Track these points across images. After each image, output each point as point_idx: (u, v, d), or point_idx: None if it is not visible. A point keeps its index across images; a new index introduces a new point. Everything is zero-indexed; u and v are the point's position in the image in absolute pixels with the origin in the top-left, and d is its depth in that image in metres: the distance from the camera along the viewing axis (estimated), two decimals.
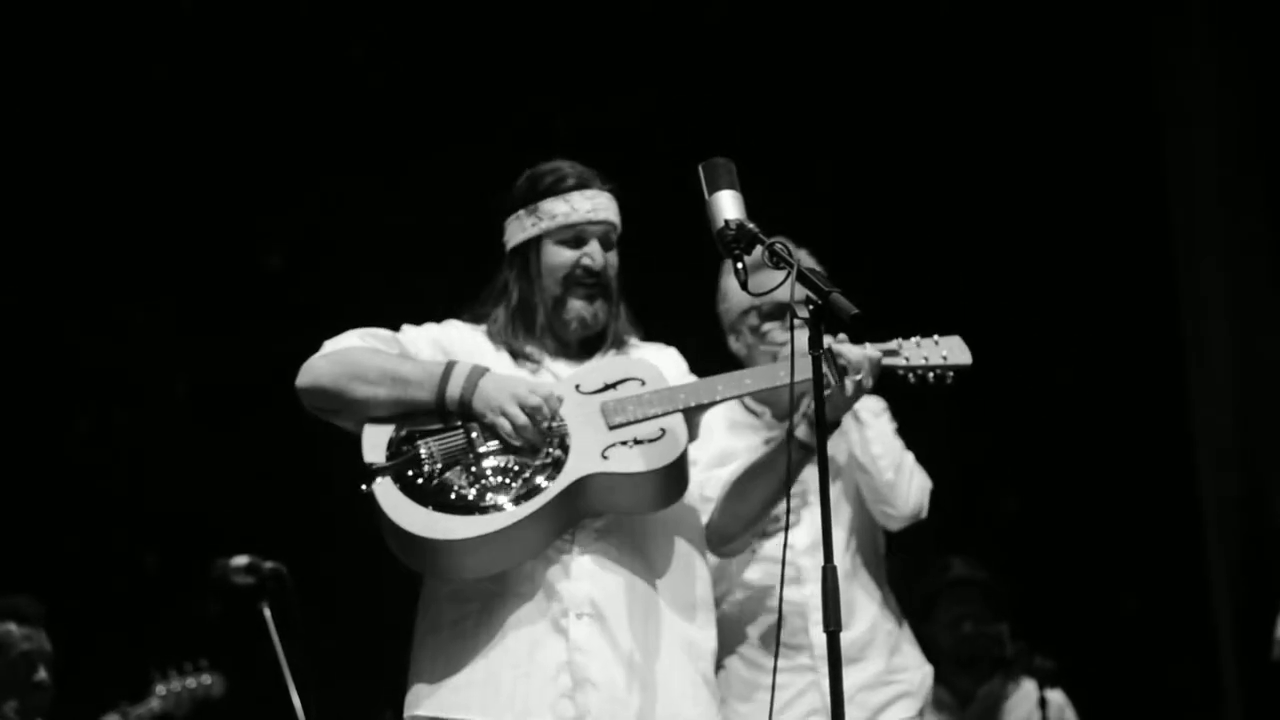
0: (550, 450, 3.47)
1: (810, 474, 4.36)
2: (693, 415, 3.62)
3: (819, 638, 4.29)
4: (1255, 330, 6.99)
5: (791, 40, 6.93)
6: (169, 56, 6.69)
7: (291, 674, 5.02)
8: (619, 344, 3.78)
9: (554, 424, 3.50)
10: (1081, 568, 6.94)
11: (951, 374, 3.84)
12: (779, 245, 3.21)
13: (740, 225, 3.25)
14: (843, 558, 4.36)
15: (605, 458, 3.48)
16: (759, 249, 3.22)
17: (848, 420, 4.27)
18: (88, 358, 6.57)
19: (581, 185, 3.74)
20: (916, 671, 4.44)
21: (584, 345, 3.78)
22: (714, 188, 3.32)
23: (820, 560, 4.22)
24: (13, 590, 5.43)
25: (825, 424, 3.15)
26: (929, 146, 6.94)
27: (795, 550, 4.27)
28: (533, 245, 3.73)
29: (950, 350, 3.84)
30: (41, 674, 5.31)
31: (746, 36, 6.93)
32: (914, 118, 6.97)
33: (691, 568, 3.64)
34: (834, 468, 4.38)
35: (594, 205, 3.74)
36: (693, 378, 3.77)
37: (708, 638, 3.63)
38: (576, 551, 3.52)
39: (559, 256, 3.71)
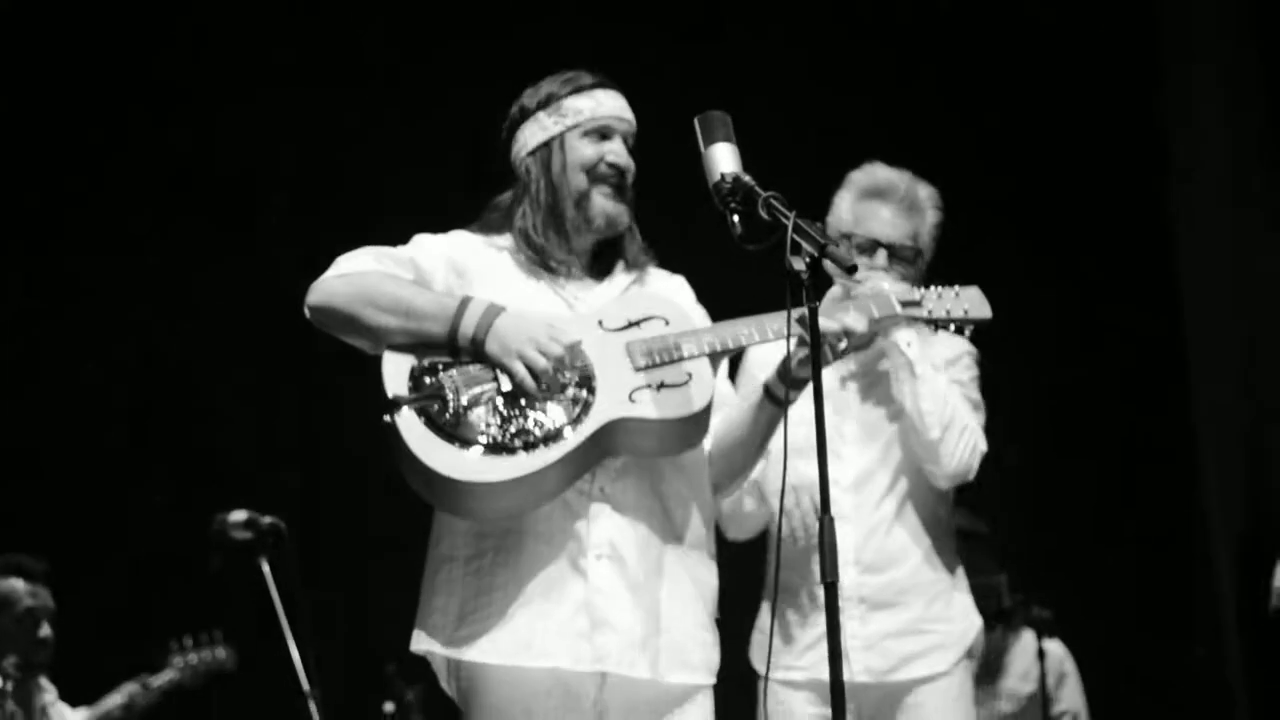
0: (577, 391, 3.42)
1: (853, 410, 4.39)
2: (717, 359, 3.58)
3: (849, 578, 4.28)
4: (1258, 289, 6.98)
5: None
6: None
7: (290, 628, 5.05)
8: (636, 267, 3.69)
9: (576, 360, 3.44)
10: (1080, 518, 6.95)
11: (970, 327, 3.83)
12: (774, 198, 3.18)
13: (736, 178, 3.24)
14: (886, 499, 4.35)
15: (633, 401, 3.42)
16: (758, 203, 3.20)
17: (902, 371, 4.28)
18: (95, 302, 6.55)
19: (604, 85, 3.69)
20: (960, 623, 4.37)
21: (598, 265, 3.69)
22: (710, 140, 3.30)
23: (861, 500, 4.30)
24: (16, 548, 5.46)
25: (820, 376, 3.12)
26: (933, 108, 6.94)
27: (840, 486, 4.27)
28: (556, 142, 3.63)
29: (971, 304, 3.82)
30: (45, 630, 5.37)
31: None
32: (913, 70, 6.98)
33: (699, 507, 3.60)
34: (894, 410, 4.38)
35: (618, 105, 3.67)
36: (700, 308, 3.72)
37: (712, 574, 3.60)
38: (595, 492, 3.46)
39: (585, 150, 3.61)
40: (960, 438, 4.27)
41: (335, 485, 6.30)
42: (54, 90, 6.57)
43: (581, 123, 3.63)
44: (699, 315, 3.69)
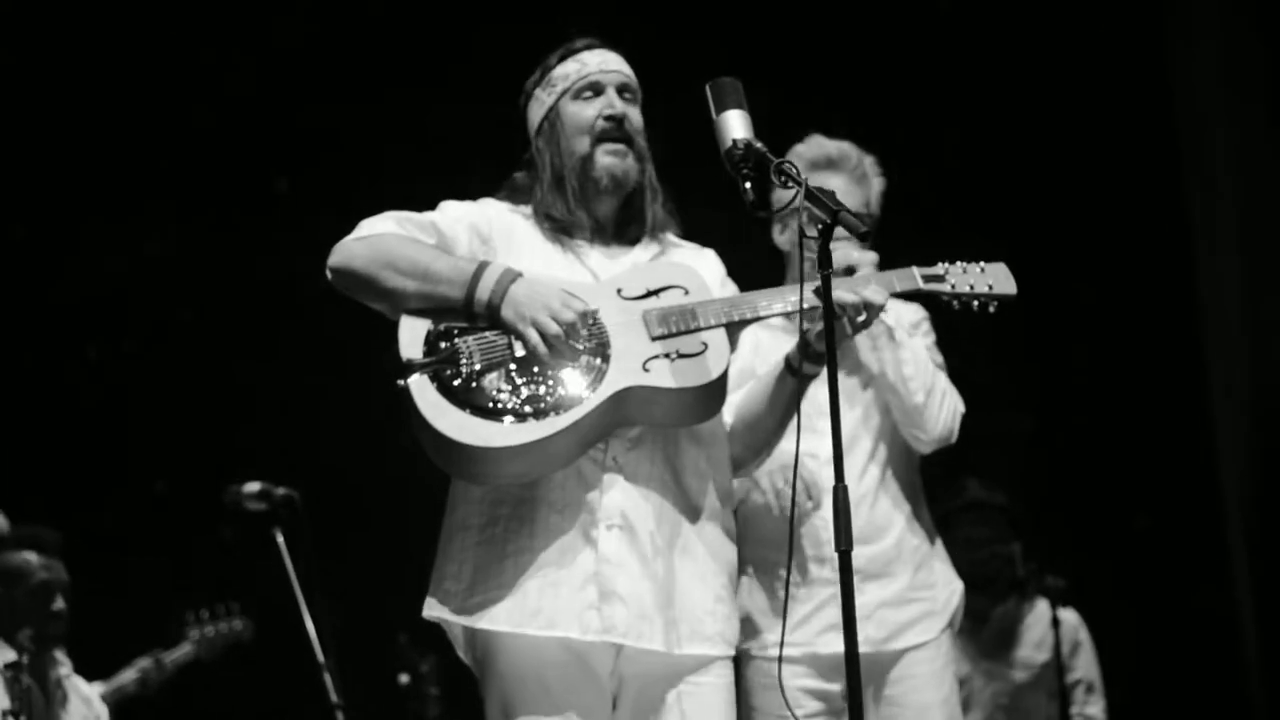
0: (591, 359, 3.42)
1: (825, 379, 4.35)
2: (735, 329, 3.58)
3: None
4: (1267, 256, 6.97)
5: None
6: None
7: (305, 599, 5.05)
8: (657, 233, 3.69)
9: (593, 327, 3.44)
10: (1094, 488, 6.94)
11: (995, 303, 3.67)
12: (787, 165, 3.19)
13: (748, 145, 3.24)
14: (869, 466, 4.34)
15: (647, 370, 3.42)
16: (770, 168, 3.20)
17: (882, 338, 4.26)
18: (96, 285, 6.56)
19: (592, 46, 3.69)
20: (944, 589, 4.39)
21: (621, 233, 3.69)
22: (721, 107, 3.30)
23: (845, 471, 4.26)
24: (30, 521, 5.47)
25: (833, 345, 3.13)
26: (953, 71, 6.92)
27: (820, 460, 4.17)
28: (553, 113, 3.65)
29: (996, 279, 3.67)
30: (59, 603, 5.37)
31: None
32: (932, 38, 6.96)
33: (717, 479, 3.60)
34: (867, 375, 4.36)
35: (604, 59, 3.68)
36: (731, 282, 3.72)
37: (729, 548, 3.60)
38: (609, 462, 3.47)
39: (580, 113, 3.62)
40: (943, 401, 4.28)
41: (349, 455, 6.31)
42: (53, 89, 6.57)
43: (570, 86, 3.64)
44: (729, 290, 3.68)
